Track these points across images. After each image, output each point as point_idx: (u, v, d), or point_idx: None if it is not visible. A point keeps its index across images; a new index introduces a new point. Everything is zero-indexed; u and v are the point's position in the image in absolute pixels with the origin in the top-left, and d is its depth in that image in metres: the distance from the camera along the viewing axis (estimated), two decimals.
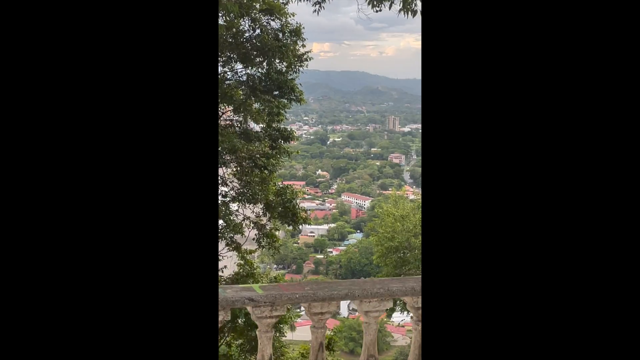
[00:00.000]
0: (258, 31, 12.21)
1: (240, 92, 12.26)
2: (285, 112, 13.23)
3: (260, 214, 13.08)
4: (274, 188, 12.78)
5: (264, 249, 13.38)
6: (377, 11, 10.87)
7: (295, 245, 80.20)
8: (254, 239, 13.08)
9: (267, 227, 13.12)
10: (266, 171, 12.55)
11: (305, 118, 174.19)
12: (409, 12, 9.84)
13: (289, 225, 12.95)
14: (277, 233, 13.35)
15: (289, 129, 13.40)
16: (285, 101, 12.95)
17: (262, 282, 12.36)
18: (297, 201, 12.93)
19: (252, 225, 13.04)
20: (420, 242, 18.87)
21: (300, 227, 13.20)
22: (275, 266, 73.38)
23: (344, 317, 59.15)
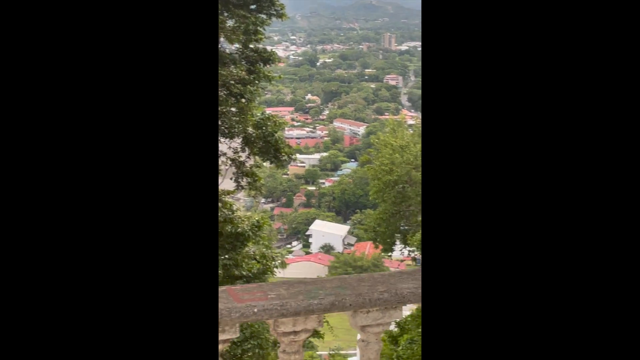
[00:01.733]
0: None
1: None
2: (265, 29, 12.09)
3: (239, 149, 12.08)
4: (253, 119, 11.78)
5: (244, 190, 12.50)
6: None
7: (284, 177, 79.76)
8: (231, 179, 12.20)
9: (247, 165, 12.20)
10: (243, 100, 11.51)
11: (292, 37, 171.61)
12: None
13: (271, 162, 12.01)
14: (258, 171, 12.41)
15: (269, 50, 12.28)
16: (264, 17, 11.78)
17: (242, 227, 11.57)
18: (281, 133, 11.95)
19: (229, 162, 12.11)
20: (420, 174, 18.22)
21: (284, 164, 12.27)
22: (263, 200, 73.38)
23: (339, 252, 59.57)
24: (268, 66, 12.12)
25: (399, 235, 20.04)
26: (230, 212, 11.69)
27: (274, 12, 11.83)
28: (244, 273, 11.26)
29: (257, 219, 12.23)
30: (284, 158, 11.94)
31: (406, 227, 19.58)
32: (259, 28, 11.62)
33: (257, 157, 12.13)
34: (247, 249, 11.89)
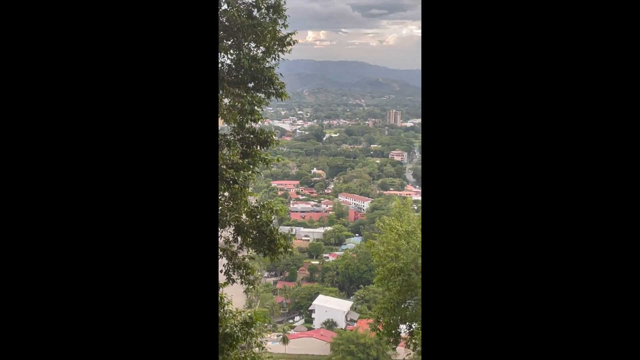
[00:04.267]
0: (225, 6, 9.97)
1: None
2: (262, 109, 11.03)
3: (230, 239, 10.81)
4: (247, 207, 10.55)
5: (235, 284, 11.16)
6: None
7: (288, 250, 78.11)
8: (221, 271, 10.89)
9: (239, 256, 10.90)
10: (236, 185, 10.31)
11: (299, 112, 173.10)
12: None
13: (264, 255, 10.70)
14: (251, 263, 11.10)
15: (266, 130, 11.16)
16: (262, 96, 10.73)
17: (231, 326, 10.22)
18: (275, 224, 10.69)
19: (220, 253, 10.81)
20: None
21: (279, 258, 10.94)
22: (266, 274, 71.81)
23: (341, 328, 57.69)
24: (265, 148, 10.99)
25: (404, 326, 18.56)
26: (219, 307, 10.34)
27: (273, 91, 10.79)
28: None
29: (249, 314, 10.86)
30: (279, 250, 10.64)
31: (413, 323, 18.14)
32: (255, 107, 10.55)
33: (250, 249, 10.86)
34: (236, 351, 10.51)
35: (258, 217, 10.42)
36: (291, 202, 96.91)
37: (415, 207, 22.99)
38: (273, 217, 10.67)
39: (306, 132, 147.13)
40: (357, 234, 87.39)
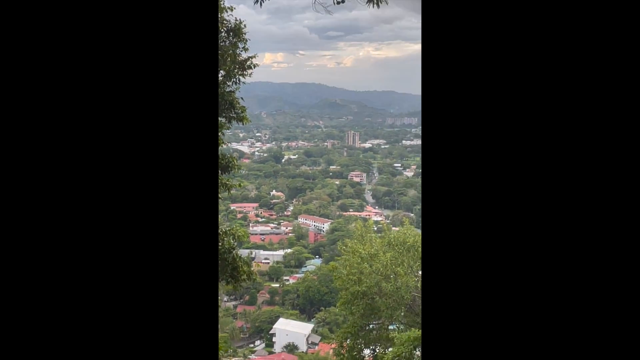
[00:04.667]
0: None
1: None
2: (223, 133, 10.85)
3: None
4: None
5: None
6: (338, 2, 9.10)
7: None
8: None
9: None
10: None
11: (257, 134, 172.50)
12: (380, 2, 8.34)
13: (227, 283, 10.44)
14: None
15: (227, 155, 10.97)
16: (223, 120, 10.57)
17: None
18: (238, 251, 10.45)
19: None
20: (391, 286, 16.76)
21: (242, 285, 10.68)
22: (226, 298, 70.87)
23: (303, 351, 57.15)
24: (226, 174, 10.79)
25: (368, 350, 18.34)
26: None
27: (234, 115, 10.62)
28: None
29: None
30: (242, 277, 10.40)
31: (377, 346, 17.95)
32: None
33: None
34: None
35: (220, 244, 10.18)
36: (251, 224, 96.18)
37: (375, 228, 22.82)
38: (235, 243, 10.46)
39: (265, 154, 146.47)
40: (317, 256, 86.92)
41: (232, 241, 10.35)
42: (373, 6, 8.59)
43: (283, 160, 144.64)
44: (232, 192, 11.57)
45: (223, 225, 11.85)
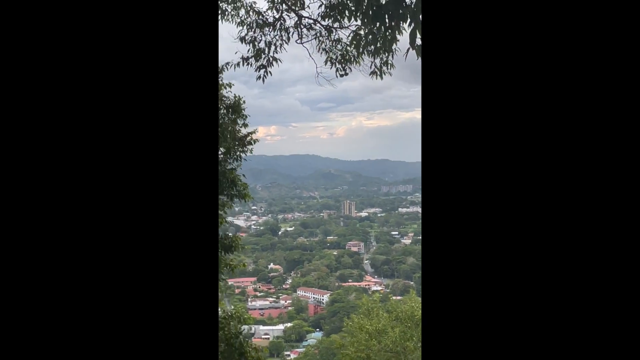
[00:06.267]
0: None
1: None
2: (225, 212, 10.51)
3: None
4: None
5: None
6: (341, 75, 8.93)
7: None
8: None
9: None
10: None
11: (253, 207, 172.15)
12: (383, 73, 8.12)
13: None
14: None
15: (230, 235, 10.61)
16: (225, 199, 10.25)
17: None
18: (243, 337, 9.92)
19: None
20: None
21: None
22: None
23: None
24: (229, 254, 10.39)
25: None
26: None
27: (236, 193, 10.32)
28: None
29: None
30: None
31: None
32: (219, 212, 10.00)
33: None
34: None
35: (226, 329, 9.68)
36: (249, 299, 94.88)
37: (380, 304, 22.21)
38: (242, 327, 9.96)
39: (261, 228, 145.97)
40: (317, 329, 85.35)
41: (238, 325, 9.85)
42: (376, 77, 8.36)
43: (280, 232, 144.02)
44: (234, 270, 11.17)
45: (225, 306, 11.42)
